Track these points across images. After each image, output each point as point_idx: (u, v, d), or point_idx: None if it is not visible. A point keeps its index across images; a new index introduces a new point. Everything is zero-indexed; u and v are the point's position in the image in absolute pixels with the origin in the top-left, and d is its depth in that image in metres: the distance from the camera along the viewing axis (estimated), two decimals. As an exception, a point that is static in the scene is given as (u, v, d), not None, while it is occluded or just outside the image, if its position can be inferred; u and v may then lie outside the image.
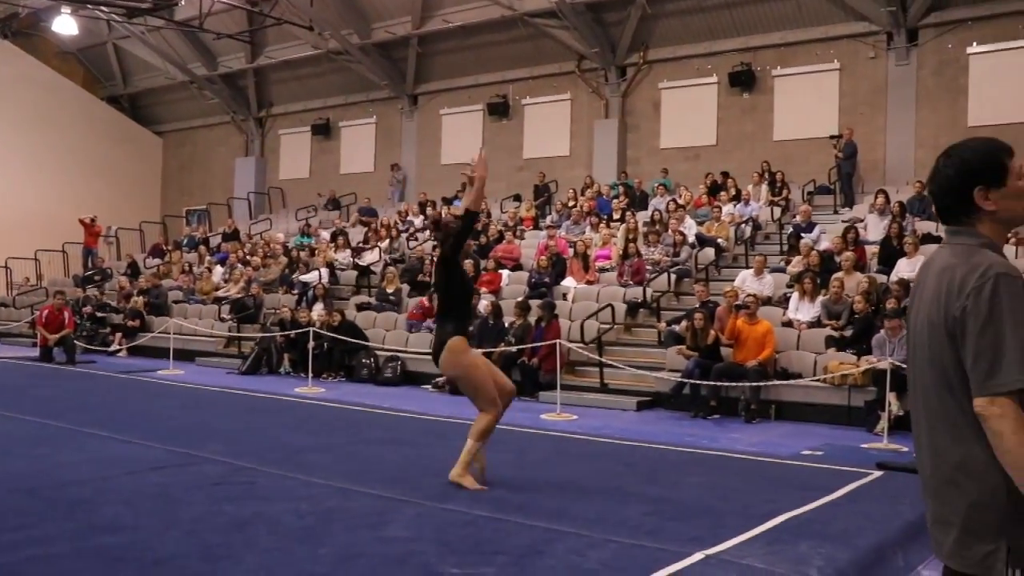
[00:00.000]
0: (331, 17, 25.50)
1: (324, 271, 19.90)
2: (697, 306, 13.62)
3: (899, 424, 10.00)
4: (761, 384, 11.71)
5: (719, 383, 11.84)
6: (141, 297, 21.26)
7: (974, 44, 18.97)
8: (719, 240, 17.17)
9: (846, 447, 9.74)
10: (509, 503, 6.58)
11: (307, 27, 24.79)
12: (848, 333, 12.33)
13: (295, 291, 19.54)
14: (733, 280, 14.92)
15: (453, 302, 7.21)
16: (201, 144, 33.45)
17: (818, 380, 11.56)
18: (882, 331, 11.23)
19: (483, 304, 15.30)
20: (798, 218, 17.09)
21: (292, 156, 30.78)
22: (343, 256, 21.00)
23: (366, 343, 16.04)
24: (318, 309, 17.62)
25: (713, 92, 22.31)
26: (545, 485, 7.27)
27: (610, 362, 13.29)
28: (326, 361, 16.00)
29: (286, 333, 16.66)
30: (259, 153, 31.63)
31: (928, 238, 14.23)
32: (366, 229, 23.05)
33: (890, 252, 14.28)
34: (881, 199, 16.14)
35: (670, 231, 17.14)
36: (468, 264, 17.24)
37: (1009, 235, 13.14)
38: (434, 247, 19.99)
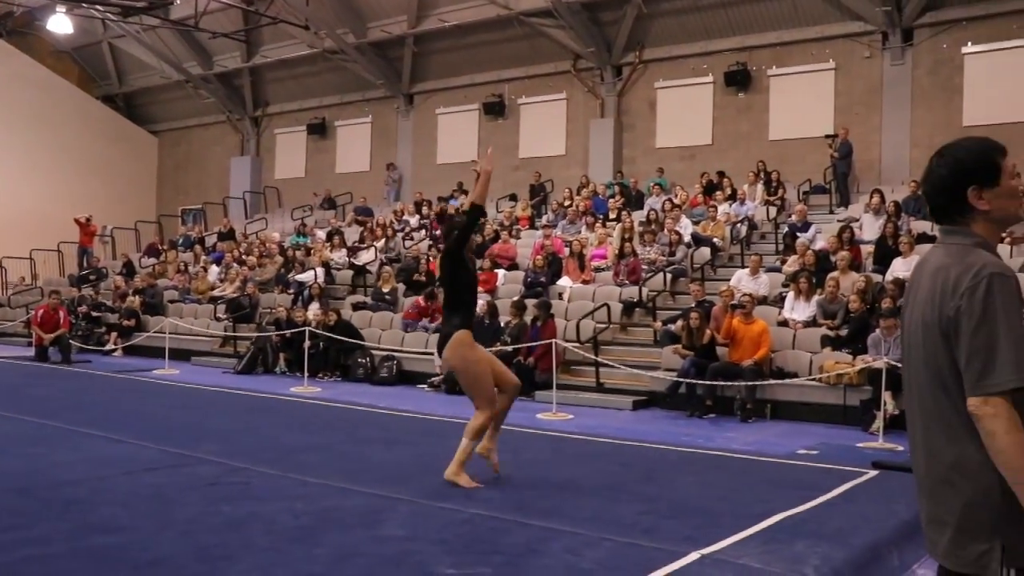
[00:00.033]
0: (327, 16, 25.49)
1: (320, 270, 19.89)
2: (693, 305, 13.62)
3: (894, 423, 10.01)
4: (757, 383, 11.72)
5: (715, 382, 11.84)
6: (137, 297, 21.23)
7: (969, 44, 19.00)
8: (715, 239, 17.18)
9: (842, 446, 9.75)
10: (505, 502, 6.58)
11: (303, 26, 24.80)
12: (844, 332, 12.34)
13: (291, 290, 19.53)
14: (729, 279, 14.92)
15: (459, 296, 7.25)
16: (197, 143, 33.42)
17: (814, 379, 11.56)
18: (877, 330, 11.23)
19: (479, 304, 15.27)
20: (794, 217, 17.10)
21: (288, 155, 30.77)
22: (339, 255, 20.98)
23: (362, 343, 16.04)
24: (314, 308, 17.60)
25: (709, 92, 22.34)
26: (541, 484, 7.27)
27: (606, 361, 13.29)
28: (322, 361, 15.99)
29: (282, 333, 16.65)
30: (255, 152, 31.62)
31: (923, 237, 14.24)
32: (362, 228, 23.03)
33: (885, 252, 14.29)
34: (876, 199, 16.15)
35: (666, 230, 17.16)
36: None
37: (1003, 235, 13.19)
38: (431, 246, 20.03)
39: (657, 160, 22.48)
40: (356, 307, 18.14)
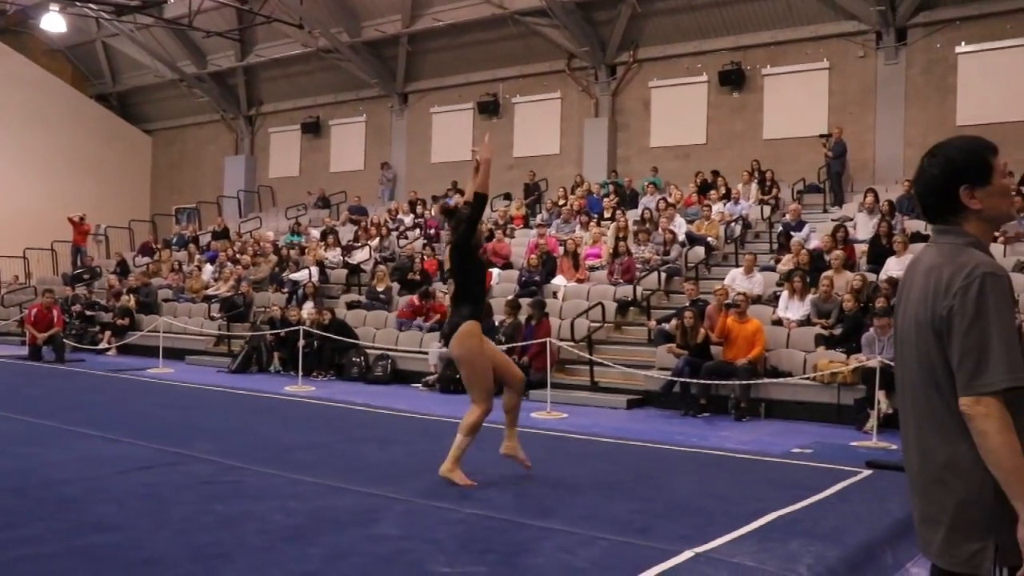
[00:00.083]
0: (321, 15, 25.47)
1: (314, 269, 19.87)
2: (687, 304, 13.63)
3: (888, 422, 10.02)
4: (751, 382, 11.74)
5: (709, 381, 11.86)
6: (130, 296, 21.19)
7: (962, 44, 19.05)
8: (709, 239, 17.20)
9: (835, 445, 9.77)
10: (499, 501, 6.58)
11: (297, 25, 24.77)
12: (837, 331, 12.36)
13: (285, 289, 19.50)
14: (723, 279, 14.95)
15: (469, 287, 7.23)
16: (191, 142, 33.37)
17: (807, 378, 11.58)
18: (871, 329, 11.25)
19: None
20: (788, 217, 17.13)
21: (282, 154, 30.74)
22: (333, 254, 20.97)
23: (356, 341, 16.03)
24: (308, 307, 17.59)
25: (703, 91, 22.36)
26: (535, 483, 7.27)
27: (600, 360, 13.30)
28: (316, 360, 15.98)
29: (276, 332, 16.63)
30: (249, 151, 31.58)
31: (917, 237, 14.26)
32: (356, 227, 23.04)
33: (879, 251, 14.32)
34: (870, 198, 16.19)
35: (660, 230, 17.17)
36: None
37: (997, 234, 13.22)
38: (425, 245, 20.03)
39: (651, 159, 22.50)
40: (350, 306, 18.13)
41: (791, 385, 11.85)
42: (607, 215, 19.54)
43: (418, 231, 21.98)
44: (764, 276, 14.89)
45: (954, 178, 2.66)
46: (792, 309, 13.30)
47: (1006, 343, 2.45)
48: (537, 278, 16.64)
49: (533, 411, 11.91)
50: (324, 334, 15.70)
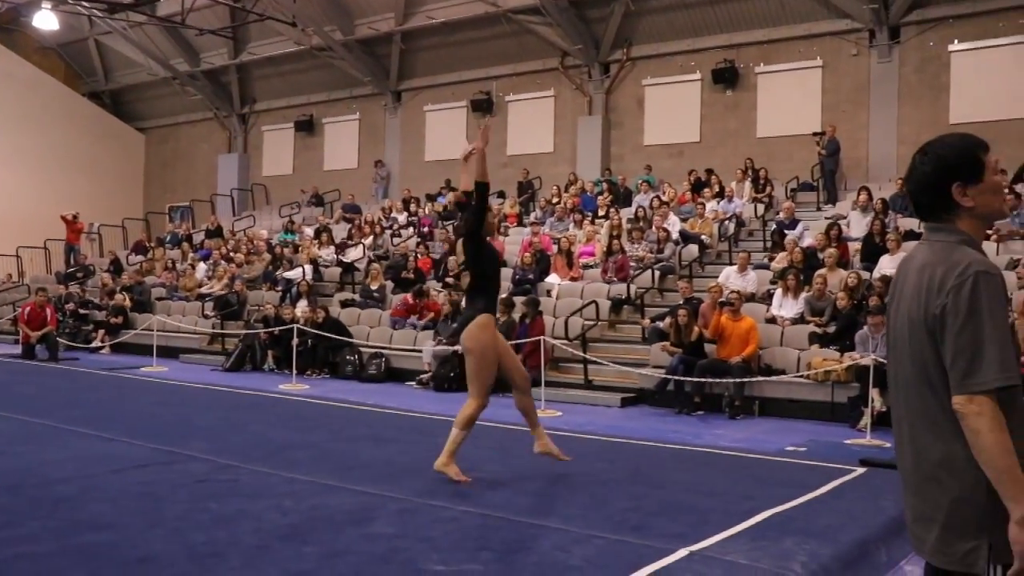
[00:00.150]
0: (314, 13, 25.45)
1: (308, 268, 19.87)
2: (681, 303, 13.65)
3: (882, 420, 10.05)
4: (745, 380, 11.76)
5: (703, 379, 11.88)
6: (124, 294, 21.16)
7: (955, 42, 19.08)
8: (703, 237, 17.22)
9: (829, 443, 9.79)
10: (494, 499, 6.59)
11: (290, 23, 24.72)
12: (831, 329, 12.39)
13: (279, 288, 19.49)
14: (717, 277, 14.96)
15: (483, 279, 7.22)
16: (184, 140, 33.31)
17: (801, 376, 11.60)
18: (865, 327, 11.28)
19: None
20: (781, 215, 17.14)
21: (275, 152, 30.70)
22: (327, 253, 20.97)
23: (350, 340, 16.02)
24: (302, 306, 17.58)
25: (696, 89, 22.37)
26: (529, 481, 7.28)
27: (594, 359, 13.32)
28: (310, 358, 15.98)
29: (270, 330, 16.62)
30: (242, 149, 31.53)
31: (910, 235, 14.28)
32: (350, 226, 23.03)
33: (873, 249, 14.35)
34: (864, 196, 16.22)
35: (654, 228, 17.19)
36: (453, 260, 17.25)
37: (990, 232, 13.26)
38: (419, 243, 20.01)
39: (645, 157, 22.50)
40: (344, 304, 18.13)
41: (785, 383, 11.88)
42: (601, 213, 19.54)
43: (412, 229, 21.97)
44: (758, 274, 14.91)
45: (946, 175, 2.67)
46: (786, 307, 13.33)
47: (999, 342, 2.46)
48: (531, 276, 16.65)
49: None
50: (318, 332, 15.69)
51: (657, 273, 16.01)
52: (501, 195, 23.57)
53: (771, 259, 15.56)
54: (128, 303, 20.78)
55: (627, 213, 19.01)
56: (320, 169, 29.22)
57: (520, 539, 5.57)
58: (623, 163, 23.20)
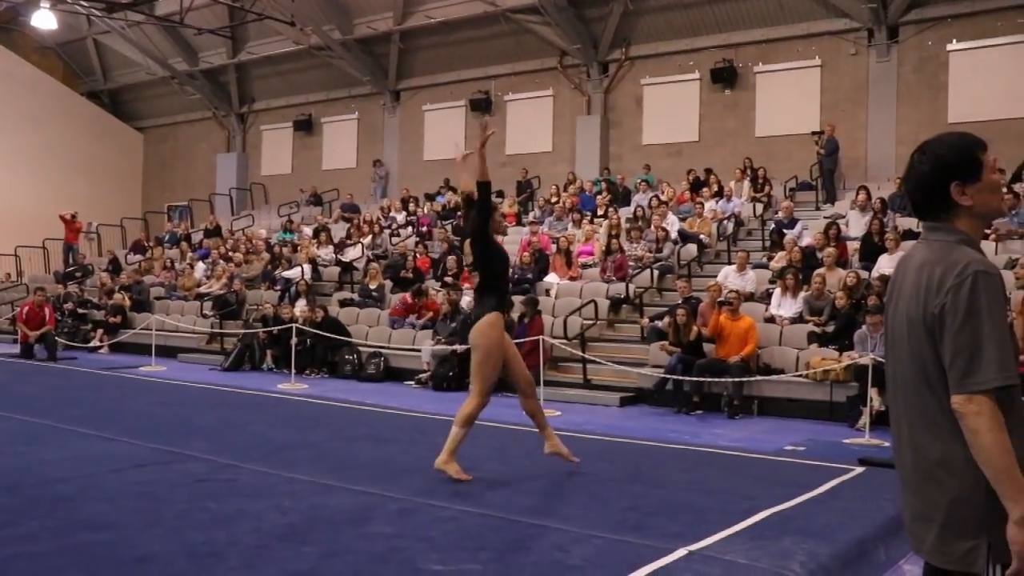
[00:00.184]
0: (313, 13, 25.44)
1: (307, 267, 19.86)
2: (680, 302, 13.65)
3: (880, 419, 10.05)
4: (743, 380, 11.76)
5: (702, 379, 11.88)
6: (123, 293, 21.15)
7: (954, 41, 19.08)
8: (701, 236, 17.22)
9: (828, 442, 9.80)
10: (493, 499, 6.58)
11: (289, 23, 24.74)
12: (830, 329, 12.39)
13: (277, 287, 19.49)
14: (716, 276, 14.96)
15: (492, 278, 7.23)
16: (182, 140, 33.29)
17: (800, 376, 11.61)
18: (864, 327, 11.28)
19: (465, 300, 15.31)
20: (780, 214, 17.15)
21: (274, 152, 30.68)
22: (325, 252, 20.96)
23: (349, 339, 16.02)
24: (301, 305, 17.57)
25: (695, 88, 22.37)
26: (529, 481, 7.28)
27: (593, 358, 13.31)
28: (309, 357, 15.97)
29: (269, 329, 16.61)
30: (241, 149, 31.51)
31: (909, 234, 14.29)
32: (348, 225, 23.01)
33: (871, 248, 14.35)
34: (862, 195, 16.22)
35: (653, 227, 17.19)
36: (451, 259, 17.27)
37: (988, 231, 13.26)
38: (418, 243, 19.99)
39: (644, 157, 22.50)
40: (343, 304, 18.12)
41: (784, 382, 11.88)
42: (600, 212, 19.54)
43: (410, 229, 21.97)
44: (757, 274, 14.91)
45: (944, 175, 2.66)
46: (785, 306, 13.33)
47: (998, 341, 2.45)
48: (530, 276, 16.65)
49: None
50: (317, 332, 15.69)
51: (656, 272, 16.01)
52: (500, 194, 23.51)
53: (770, 258, 15.56)
54: (127, 302, 20.77)
55: (626, 212, 19.01)
56: (319, 168, 29.20)
57: (519, 539, 5.57)
58: (622, 162, 23.20)
